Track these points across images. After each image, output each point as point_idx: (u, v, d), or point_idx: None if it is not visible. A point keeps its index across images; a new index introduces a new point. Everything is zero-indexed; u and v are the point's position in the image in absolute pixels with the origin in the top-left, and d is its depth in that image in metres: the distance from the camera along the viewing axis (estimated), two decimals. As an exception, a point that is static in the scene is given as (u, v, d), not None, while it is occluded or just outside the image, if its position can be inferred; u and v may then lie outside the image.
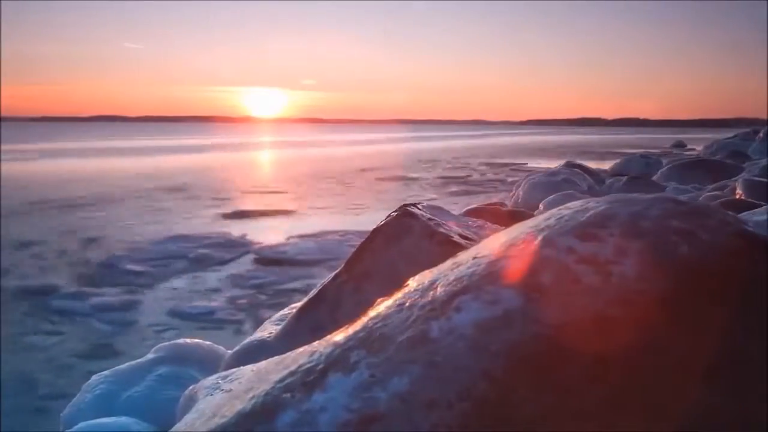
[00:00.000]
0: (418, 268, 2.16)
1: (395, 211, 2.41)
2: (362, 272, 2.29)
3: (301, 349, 1.64)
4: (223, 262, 8.33)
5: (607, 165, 20.54)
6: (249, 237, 10.00)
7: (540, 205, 10.17)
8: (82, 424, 3.02)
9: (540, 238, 1.05)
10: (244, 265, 8.28)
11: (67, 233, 11.17)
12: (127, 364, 3.79)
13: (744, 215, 3.16)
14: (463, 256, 1.17)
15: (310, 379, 0.92)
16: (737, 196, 7.83)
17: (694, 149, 38.65)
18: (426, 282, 1.10)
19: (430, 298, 1.01)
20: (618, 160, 20.56)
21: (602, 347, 0.92)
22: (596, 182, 15.06)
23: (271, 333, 2.50)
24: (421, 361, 0.89)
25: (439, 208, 2.81)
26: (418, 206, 2.55)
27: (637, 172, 15.61)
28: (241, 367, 1.83)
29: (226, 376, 1.80)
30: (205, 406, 1.60)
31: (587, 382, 0.90)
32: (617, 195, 1.17)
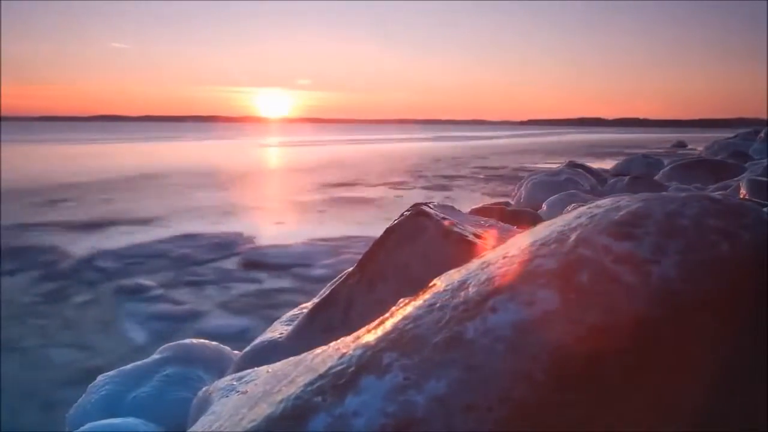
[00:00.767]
0: (434, 268, 2.14)
1: (408, 211, 2.39)
2: (375, 272, 2.27)
3: (319, 350, 1.61)
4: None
5: (607, 165, 20.53)
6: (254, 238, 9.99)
7: (543, 205, 10.14)
8: (88, 425, 2.99)
9: (574, 237, 1.03)
10: (248, 266, 8.26)
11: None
12: (132, 364, 3.76)
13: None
14: (491, 256, 1.15)
15: (341, 382, 0.90)
16: (742, 196, 7.82)
17: (694, 149, 38.69)
18: (455, 282, 1.07)
19: (462, 299, 0.99)
20: (619, 160, 20.55)
21: (644, 349, 0.89)
22: (598, 182, 15.05)
23: (282, 333, 2.47)
24: (458, 364, 0.86)
25: (451, 207, 2.79)
26: (430, 205, 2.53)
27: (638, 172, 15.60)
28: (256, 369, 1.81)
29: (241, 378, 1.78)
30: (221, 409, 1.57)
31: (629, 384, 0.87)
32: (649, 193, 1.15)
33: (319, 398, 0.88)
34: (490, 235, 2.32)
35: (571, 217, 1.15)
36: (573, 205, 6.87)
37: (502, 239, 2.37)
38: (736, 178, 12.10)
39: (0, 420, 4.63)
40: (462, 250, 2.08)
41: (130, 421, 3.11)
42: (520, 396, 0.84)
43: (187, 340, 3.88)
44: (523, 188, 14.29)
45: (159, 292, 7.10)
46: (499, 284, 0.98)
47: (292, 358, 1.74)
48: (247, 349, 2.54)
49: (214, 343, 3.87)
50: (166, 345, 3.86)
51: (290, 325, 2.55)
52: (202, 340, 3.87)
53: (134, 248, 9.31)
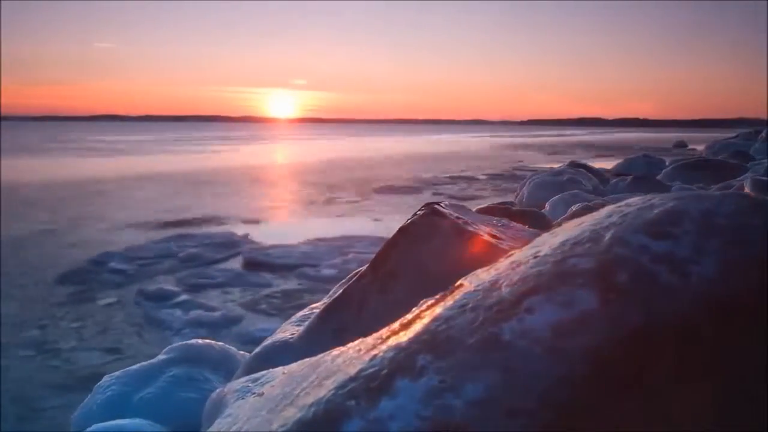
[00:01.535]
0: (449, 268, 2.11)
1: (421, 210, 2.36)
2: (388, 272, 2.24)
3: (336, 351, 1.59)
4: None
5: (608, 165, 20.51)
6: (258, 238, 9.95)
7: (546, 205, 10.11)
8: (95, 427, 2.97)
9: (609, 236, 1.00)
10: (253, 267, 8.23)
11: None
12: (138, 364, 3.73)
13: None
14: (520, 255, 1.12)
15: (374, 385, 0.87)
16: (747, 196, 7.78)
17: (695, 149, 38.67)
18: (486, 282, 1.04)
19: (495, 299, 0.96)
20: (620, 160, 20.52)
21: (686, 350, 0.87)
22: (600, 182, 15.02)
23: (292, 334, 2.44)
24: (496, 366, 0.84)
25: (462, 207, 2.76)
26: (442, 204, 2.50)
27: (640, 172, 15.58)
28: (271, 370, 1.78)
29: (256, 379, 1.75)
30: (238, 411, 1.55)
31: (672, 387, 0.84)
32: (683, 191, 1.12)
33: (352, 402, 0.85)
34: (506, 235, 2.29)
35: (602, 215, 1.13)
36: (577, 205, 6.84)
37: (516, 239, 2.34)
38: (738, 178, 12.07)
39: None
40: (478, 249, 2.05)
41: (137, 422, 3.08)
42: (560, 400, 0.81)
43: (193, 341, 3.85)
44: (525, 188, 14.26)
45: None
46: (533, 284, 0.95)
47: (307, 360, 1.71)
48: (258, 349, 2.51)
49: (219, 343, 3.84)
50: (171, 345, 3.83)
51: (301, 325, 2.52)
52: (207, 341, 3.84)
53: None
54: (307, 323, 2.43)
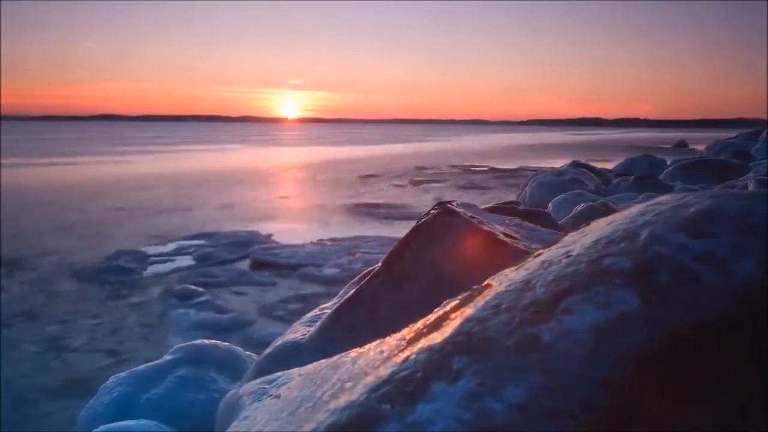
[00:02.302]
0: (464, 267, 2.08)
1: (434, 209, 2.33)
2: (402, 272, 2.21)
3: (354, 353, 1.56)
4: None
5: (610, 165, 20.46)
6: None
7: (549, 205, 10.08)
8: (102, 428, 2.94)
9: (646, 234, 0.98)
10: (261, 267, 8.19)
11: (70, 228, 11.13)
12: (144, 365, 3.69)
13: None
14: (550, 255, 1.09)
15: (410, 389, 0.85)
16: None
17: (695, 149, 38.65)
18: (518, 282, 1.02)
19: (530, 300, 0.93)
20: (621, 160, 20.49)
21: (729, 351, 0.84)
22: (602, 182, 14.99)
23: (304, 334, 2.41)
24: (536, 369, 0.81)
25: (473, 206, 2.73)
26: (454, 204, 2.47)
27: (641, 172, 15.56)
28: (286, 372, 1.75)
29: (272, 381, 1.72)
30: (256, 414, 1.52)
31: (715, 388, 0.82)
32: (717, 190, 1.10)
33: (387, 406, 0.83)
34: (520, 234, 2.26)
35: (634, 213, 1.10)
36: (582, 205, 6.81)
37: (531, 238, 2.32)
38: (741, 178, 12.06)
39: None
40: (494, 249, 2.02)
41: (144, 423, 3.05)
42: (603, 402, 0.79)
43: (199, 341, 3.82)
44: (527, 188, 14.23)
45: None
46: (569, 284, 0.93)
47: (323, 361, 1.68)
48: (269, 350, 2.48)
49: (225, 343, 3.81)
50: (177, 345, 3.79)
51: (311, 326, 2.49)
52: (213, 341, 3.80)
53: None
54: (318, 323, 2.40)
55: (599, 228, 1.13)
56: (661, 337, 0.84)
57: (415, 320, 1.63)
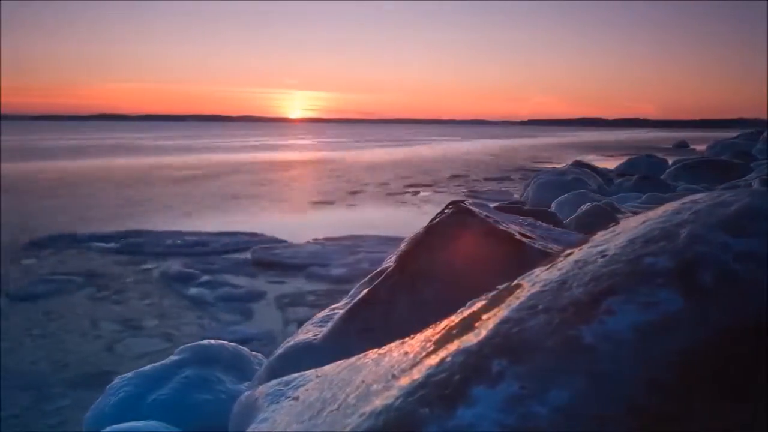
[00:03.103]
0: (480, 267, 2.06)
1: (448, 208, 2.31)
2: (417, 272, 2.18)
3: (373, 354, 1.53)
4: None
5: (611, 165, 20.43)
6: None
7: (552, 205, 10.05)
8: (109, 429, 2.91)
9: (685, 233, 0.95)
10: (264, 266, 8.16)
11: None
12: (150, 365, 3.67)
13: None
14: (583, 254, 1.07)
15: (448, 392, 0.82)
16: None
17: (695, 149, 38.65)
18: (553, 282, 0.99)
19: (568, 300, 0.91)
20: (623, 160, 20.46)
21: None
22: (605, 182, 14.97)
23: (316, 335, 2.38)
24: (580, 371, 0.79)
25: (485, 205, 2.71)
26: (467, 203, 2.45)
27: (643, 172, 15.54)
28: (302, 373, 1.73)
29: (288, 382, 1.69)
30: (275, 416, 1.49)
31: (759, 389, 0.80)
32: (753, 189, 1.07)
33: (426, 410, 0.80)
34: (535, 234, 2.23)
35: (669, 212, 1.08)
36: (587, 204, 6.78)
37: (547, 238, 2.29)
38: (744, 178, 12.04)
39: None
40: (511, 249, 2.00)
41: (152, 424, 3.03)
42: (649, 405, 0.76)
43: (205, 341, 3.79)
44: (530, 188, 14.20)
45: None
46: (609, 285, 0.90)
47: (341, 362, 1.66)
48: (281, 350, 2.45)
49: (232, 344, 3.78)
50: (183, 346, 3.77)
51: (322, 326, 2.46)
52: (220, 341, 3.78)
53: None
54: (330, 324, 2.37)
55: (632, 227, 1.11)
56: (706, 337, 0.82)
57: (430, 320, 1.61)
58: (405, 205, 14.94)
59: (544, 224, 2.60)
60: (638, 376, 0.78)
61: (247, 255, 8.45)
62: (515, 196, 15.20)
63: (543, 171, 15.91)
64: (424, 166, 27.15)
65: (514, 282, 1.15)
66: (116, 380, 3.55)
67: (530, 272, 1.14)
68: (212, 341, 3.76)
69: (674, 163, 16.93)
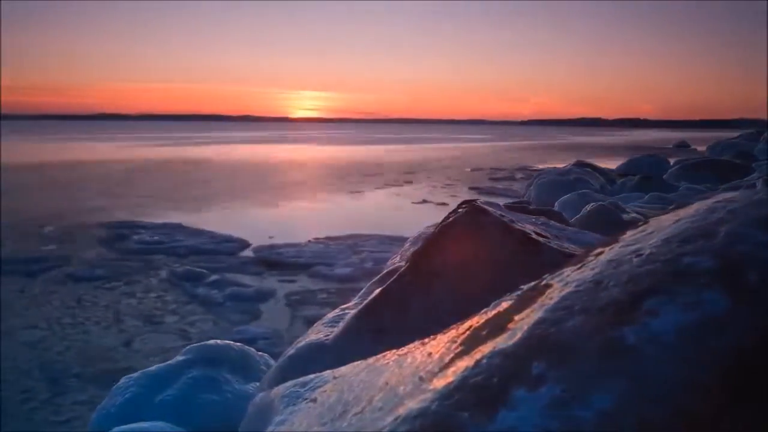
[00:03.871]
0: (495, 267, 2.04)
1: (461, 208, 2.28)
2: (431, 272, 2.15)
3: (392, 356, 1.51)
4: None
5: (612, 164, 20.39)
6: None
7: (555, 204, 10.02)
8: (116, 429, 2.89)
9: (724, 232, 0.93)
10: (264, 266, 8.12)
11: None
12: (156, 366, 3.64)
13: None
14: (616, 253, 1.05)
15: (487, 396, 0.80)
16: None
17: (696, 149, 38.62)
18: (587, 282, 0.97)
19: (606, 300, 0.89)
20: (624, 160, 20.42)
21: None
22: (607, 181, 14.94)
23: (327, 335, 2.35)
24: (624, 374, 0.76)
25: (497, 204, 2.68)
26: (479, 202, 2.42)
27: (644, 172, 15.52)
28: (319, 374, 1.70)
29: (305, 384, 1.66)
30: (293, 418, 1.46)
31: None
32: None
33: (465, 414, 0.78)
34: (550, 233, 2.21)
35: (702, 210, 1.05)
36: (592, 204, 6.75)
37: (562, 237, 2.27)
38: (746, 178, 12.02)
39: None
40: (528, 249, 1.97)
41: (159, 424, 3.00)
42: (696, 409, 0.74)
43: (211, 341, 3.76)
44: (532, 187, 14.18)
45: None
46: (648, 285, 0.88)
47: (358, 363, 1.63)
48: (292, 351, 2.42)
49: (238, 344, 3.75)
50: (189, 346, 3.74)
51: (333, 326, 2.43)
52: (226, 341, 3.75)
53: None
54: (342, 324, 2.34)
55: (664, 226, 1.08)
56: (754, 339, 0.79)
57: (445, 320, 1.58)
58: (405, 203, 14.94)
59: (557, 223, 2.58)
60: (685, 379, 0.76)
61: (251, 254, 8.43)
62: (519, 196, 15.18)
63: (545, 171, 15.88)
64: (424, 165, 27.14)
65: (543, 282, 1.12)
66: (122, 380, 3.52)
67: (559, 272, 1.12)
68: (218, 341, 3.73)
69: (676, 163, 16.91)
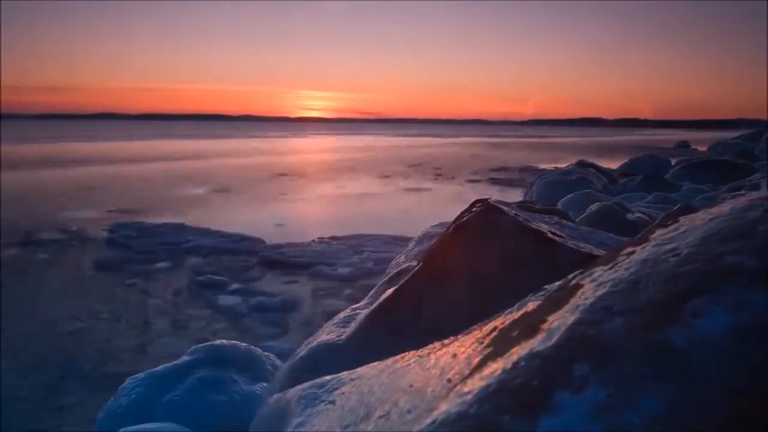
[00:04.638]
0: (510, 266, 2.01)
1: (475, 207, 2.25)
2: (445, 271, 2.13)
3: (412, 356, 1.48)
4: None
5: (613, 164, 20.34)
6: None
7: (558, 204, 9.99)
8: (123, 430, 2.86)
9: (764, 231, 0.90)
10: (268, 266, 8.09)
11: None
12: (162, 366, 3.60)
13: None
14: (650, 253, 1.02)
15: (528, 399, 0.77)
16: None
17: (696, 149, 38.61)
18: (623, 282, 0.94)
19: (645, 301, 0.86)
20: (625, 160, 20.39)
21: None
22: (609, 181, 14.92)
23: (339, 336, 2.32)
24: (672, 377, 0.74)
25: (510, 204, 2.65)
26: (492, 200, 2.40)
27: (646, 172, 15.49)
28: (336, 376, 1.67)
29: (322, 385, 1.64)
30: (312, 420, 1.44)
31: None
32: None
33: (506, 417, 0.75)
34: (564, 233, 2.18)
35: (737, 209, 1.03)
36: (597, 204, 6.73)
37: (577, 237, 2.24)
38: (748, 178, 11.99)
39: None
40: (544, 249, 1.94)
41: (166, 425, 2.97)
42: (750, 415, 0.71)
43: (218, 341, 3.73)
44: (534, 187, 14.15)
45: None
46: (691, 284, 0.85)
47: (377, 365, 1.61)
48: (303, 352, 2.39)
49: (244, 344, 3.72)
50: (195, 346, 3.71)
51: (345, 326, 2.41)
52: (233, 341, 3.72)
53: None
54: (354, 324, 2.31)
55: (698, 225, 1.06)
56: (804, 342, 0.77)
57: (460, 321, 1.55)
58: (407, 202, 14.92)
59: (570, 223, 2.55)
60: (737, 383, 0.73)
61: (254, 253, 8.40)
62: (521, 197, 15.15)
63: (547, 170, 15.86)
64: (424, 165, 27.12)
65: (572, 282, 1.09)
66: (127, 381, 3.49)
67: (590, 272, 1.09)
68: (224, 341, 3.70)
69: (678, 163, 16.89)
